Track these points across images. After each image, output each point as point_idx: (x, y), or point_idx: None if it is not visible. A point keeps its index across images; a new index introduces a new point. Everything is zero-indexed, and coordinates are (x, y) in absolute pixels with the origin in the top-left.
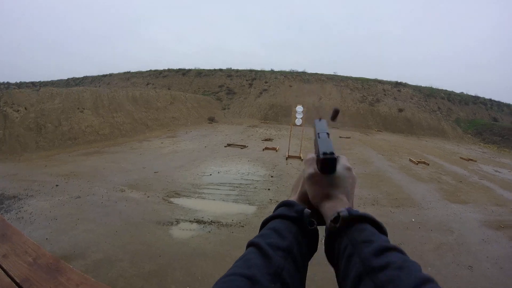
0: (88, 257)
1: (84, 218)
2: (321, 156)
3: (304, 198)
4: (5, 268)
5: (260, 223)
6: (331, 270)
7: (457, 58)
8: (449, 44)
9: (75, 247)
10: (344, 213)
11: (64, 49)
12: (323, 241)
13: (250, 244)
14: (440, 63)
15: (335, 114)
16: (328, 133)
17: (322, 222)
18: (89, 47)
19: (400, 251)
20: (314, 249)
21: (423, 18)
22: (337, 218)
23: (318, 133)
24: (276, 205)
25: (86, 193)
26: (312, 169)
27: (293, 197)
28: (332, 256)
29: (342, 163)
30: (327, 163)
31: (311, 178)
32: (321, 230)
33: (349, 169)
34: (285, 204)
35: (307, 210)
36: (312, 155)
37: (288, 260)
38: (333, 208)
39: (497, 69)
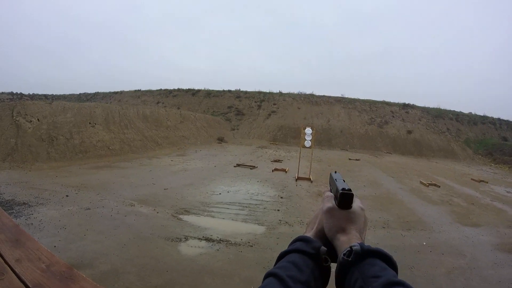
0: (95, 268)
1: (93, 229)
2: (340, 191)
3: (319, 234)
4: (17, 272)
5: (270, 246)
6: None
7: (466, 74)
8: (457, 60)
9: (83, 256)
10: (356, 247)
11: (74, 62)
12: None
13: (270, 275)
14: (448, 79)
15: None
16: (344, 180)
17: (334, 259)
18: (100, 61)
19: (406, 286)
20: (325, 283)
21: (430, 34)
22: (350, 252)
23: (336, 179)
24: (287, 235)
25: (95, 205)
26: (330, 203)
27: (309, 233)
28: (342, 287)
29: (357, 203)
30: (345, 198)
31: (329, 211)
32: (333, 265)
33: (362, 209)
34: (303, 239)
35: (323, 248)
36: (330, 193)
37: None
38: (347, 241)
39: (506, 85)
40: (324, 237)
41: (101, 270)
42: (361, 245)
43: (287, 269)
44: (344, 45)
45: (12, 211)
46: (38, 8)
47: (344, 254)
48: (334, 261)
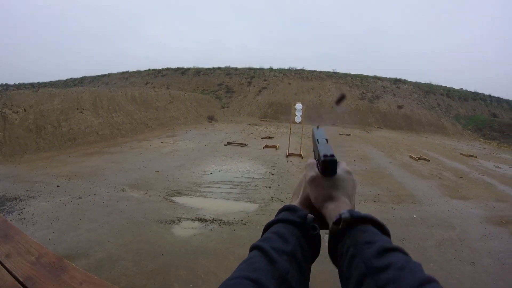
0: (91, 256)
1: (86, 218)
2: (322, 158)
3: (306, 202)
4: (8, 267)
5: (263, 224)
6: (333, 269)
7: (458, 54)
8: (449, 40)
9: (78, 246)
10: (345, 215)
11: (61, 47)
12: (326, 243)
13: (254, 248)
14: (440, 58)
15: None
16: (327, 139)
17: (324, 226)
18: (87, 45)
19: (402, 251)
20: (316, 253)
21: (424, 13)
22: (339, 220)
23: (317, 139)
24: (278, 209)
25: (87, 193)
26: (313, 172)
27: (295, 202)
28: (335, 257)
29: (342, 167)
30: (328, 165)
31: (313, 180)
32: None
33: (349, 172)
34: (288, 208)
35: (310, 215)
36: (312, 160)
37: (293, 265)
38: (335, 209)
39: (497, 66)
40: (310, 205)
41: (97, 258)
42: (351, 212)
43: (271, 241)
44: (336, 23)
45: (3, 207)
46: (21, 7)
47: (333, 223)
48: (324, 228)
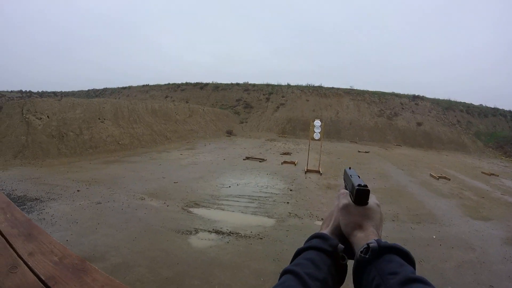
0: (107, 261)
1: (104, 223)
2: (356, 187)
3: (335, 232)
4: (30, 265)
5: (280, 239)
6: None
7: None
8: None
9: (95, 250)
10: (373, 244)
11: (80, 57)
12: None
13: (287, 271)
14: (457, 67)
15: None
16: (359, 176)
17: (351, 256)
18: (106, 56)
19: (425, 282)
20: (341, 282)
21: (435, 21)
22: (367, 249)
23: (351, 175)
24: (309, 236)
25: (106, 199)
26: (346, 200)
27: (325, 230)
28: (360, 285)
29: (373, 199)
30: (361, 194)
31: (345, 208)
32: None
33: (378, 205)
34: (319, 236)
35: (340, 245)
36: (344, 190)
37: None
38: (364, 238)
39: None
40: (340, 235)
41: (113, 263)
42: (378, 241)
43: (304, 267)
44: (352, 39)
45: (24, 206)
46: (45, 5)
47: (361, 252)
48: (351, 258)
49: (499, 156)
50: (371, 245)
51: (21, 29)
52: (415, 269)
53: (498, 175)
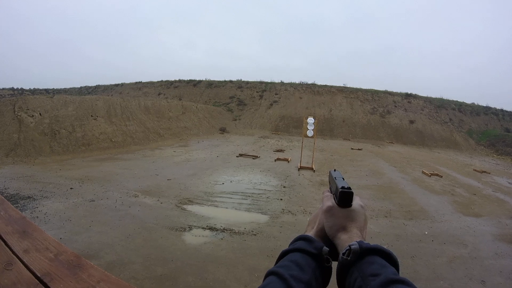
0: (101, 258)
1: (98, 220)
2: (340, 189)
3: (320, 234)
4: (26, 262)
5: (274, 235)
6: None
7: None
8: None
9: (89, 248)
10: (355, 246)
11: (74, 63)
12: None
13: (272, 273)
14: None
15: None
16: (343, 178)
17: (335, 258)
18: (99, 60)
19: (406, 283)
20: (326, 283)
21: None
22: (349, 251)
23: (335, 177)
24: (294, 238)
25: (100, 197)
26: (330, 202)
27: (310, 232)
28: (343, 287)
29: (357, 201)
30: (345, 195)
31: (329, 210)
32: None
33: (362, 207)
34: (304, 238)
35: (325, 248)
36: (328, 192)
37: None
38: (348, 240)
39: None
40: (324, 237)
41: (107, 260)
42: (360, 243)
43: (289, 268)
44: (348, 41)
45: (17, 205)
46: (35, 11)
47: (343, 254)
48: (336, 260)
49: (490, 154)
50: (352, 247)
51: (12, 35)
52: (398, 270)
53: (489, 173)
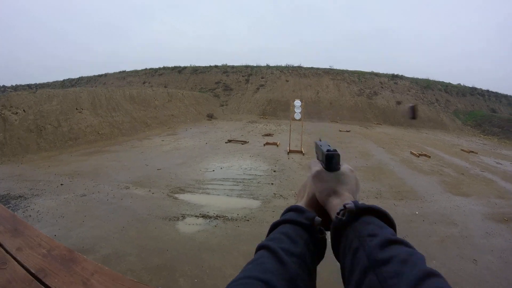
0: (97, 252)
1: (91, 215)
2: (326, 152)
3: (311, 203)
4: (19, 260)
5: (267, 220)
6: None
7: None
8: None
9: (84, 242)
10: (350, 205)
11: (59, 50)
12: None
13: (262, 247)
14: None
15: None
16: (329, 145)
17: (328, 227)
18: (83, 47)
19: (406, 244)
20: (321, 256)
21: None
22: (343, 211)
23: (320, 145)
24: (281, 205)
25: (91, 191)
26: (318, 167)
27: (300, 202)
28: (338, 251)
29: (345, 165)
30: (331, 159)
31: (317, 175)
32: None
33: (352, 170)
34: (295, 209)
35: (318, 218)
36: (315, 159)
37: (302, 267)
38: (340, 204)
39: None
40: (316, 206)
41: (103, 254)
42: (355, 202)
43: (280, 241)
44: (337, 24)
45: (9, 205)
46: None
47: (337, 214)
48: (329, 230)
49: (477, 134)
50: (347, 206)
51: None
52: (395, 231)
53: (477, 153)
